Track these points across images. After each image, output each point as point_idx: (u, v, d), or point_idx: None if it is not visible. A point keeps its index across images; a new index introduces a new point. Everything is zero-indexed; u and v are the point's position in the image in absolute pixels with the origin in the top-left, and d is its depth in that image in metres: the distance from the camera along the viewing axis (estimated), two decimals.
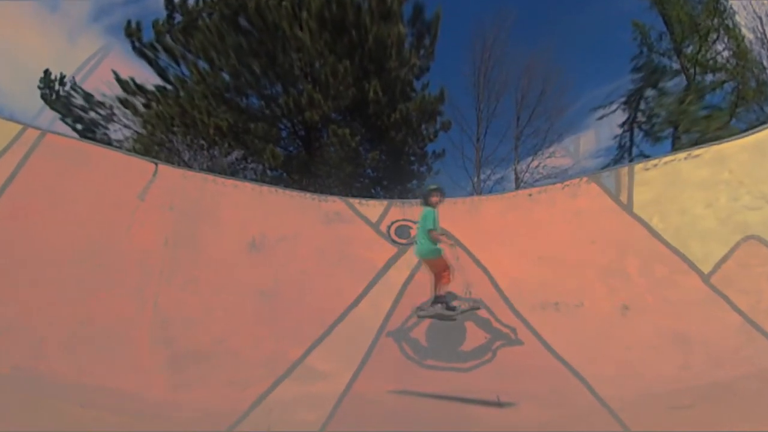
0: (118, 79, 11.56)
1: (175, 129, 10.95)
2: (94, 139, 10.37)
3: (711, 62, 12.55)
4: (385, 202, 4.82)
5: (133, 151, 10.09)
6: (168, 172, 3.57)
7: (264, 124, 10.97)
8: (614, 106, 13.69)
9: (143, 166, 3.68)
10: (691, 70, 12.66)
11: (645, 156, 12.46)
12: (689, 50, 12.86)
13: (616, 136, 13.97)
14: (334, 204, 4.76)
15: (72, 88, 12.54)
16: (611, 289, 3.31)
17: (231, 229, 3.85)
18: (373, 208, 4.66)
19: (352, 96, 10.86)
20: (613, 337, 2.90)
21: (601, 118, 13.96)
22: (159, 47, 11.47)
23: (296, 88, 11.27)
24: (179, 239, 3.04)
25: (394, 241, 4.34)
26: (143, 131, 11.54)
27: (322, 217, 4.56)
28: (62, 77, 12.61)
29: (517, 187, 13.16)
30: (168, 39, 11.37)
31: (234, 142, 11.10)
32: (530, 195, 4.81)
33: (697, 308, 2.99)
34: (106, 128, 11.90)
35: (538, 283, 3.53)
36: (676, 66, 13.15)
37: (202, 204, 3.82)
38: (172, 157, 10.66)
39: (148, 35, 11.51)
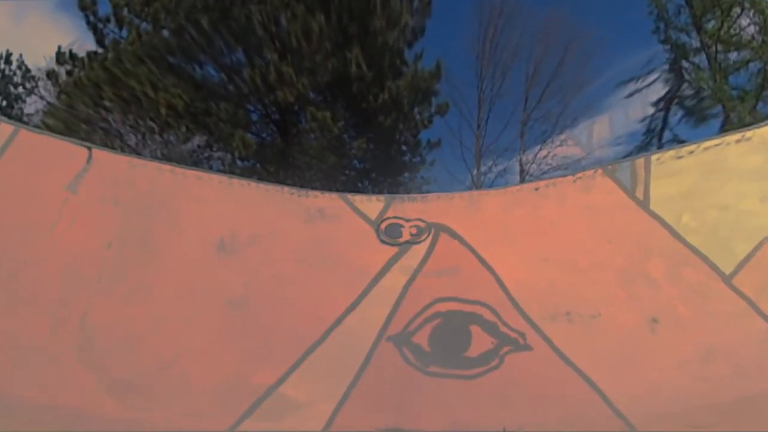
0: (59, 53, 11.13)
1: (108, 103, 10.11)
2: (9, 116, 9.88)
3: (735, 39, 12.68)
4: (384, 198, 4.68)
5: (46, 128, 9.35)
6: (108, 159, 3.33)
7: (228, 104, 10.45)
8: (651, 78, 13.00)
9: (72, 150, 3.33)
10: (713, 48, 12.80)
11: (679, 141, 11.92)
12: (710, 26, 12.97)
13: (644, 118, 13.39)
14: (317, 199, 4.61)
15: (19, 67, 12.23)
16: (634, 298, 3.27)
17: (194, 228, 3.70)
18: (370, 203, 4.50)
19: (332, 70, 10.32)
20: (638, 354, 2.89)
21: (631, 94, 13.22)
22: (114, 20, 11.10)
23: (261, 57, 10.60)
24: (127, 240, 2.87)
25: (383, 241, 4.26)
26: (59, 104, 10.77)
27: (303, 214, 4.36)
28: (8, 55, 12.31)
29: (522, 181, 13.17)
30: (125, 12, 10.98)
31: (193, 126, 10.56)
32: (537, 189, 4.71)
33: (734, 318, 3.00)
34: (24, 101, 11.41)
35: (547, 290, 3.50)
36: (695, 43, 13.27)
37: (156, 198, 3.63)
38: (112, 141, 10.08)
39: (105, 10, 11.16)
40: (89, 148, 3.43)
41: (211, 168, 10.68)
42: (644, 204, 3.90)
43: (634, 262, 3.54)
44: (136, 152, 9.91)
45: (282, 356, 2.74)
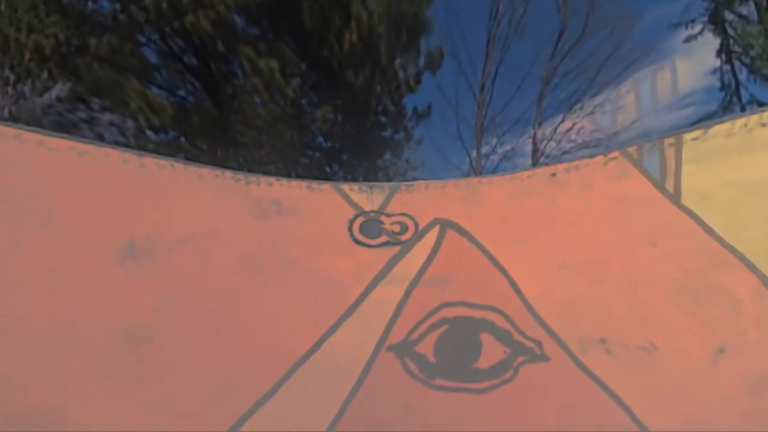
0: None
1: None
2: None
3: None
4: (387, 186, 4.49)
5: None
6: None
7: (113, 36, 8.31)
8: (698, 26, 11.90)
9: None
10: None
11: (759, 104, 11.08)
12: None
13: (715, 70, 11.70)
14: (272, 188, 4.39)
15: None
16: (703, 323, 3.15)
17: (85, 226, 3.31)
18: (369, 195, 4.33)
19: None
20: (694, 389, 2.90)
21: (691, 38, 11.32)
22: None
23: None
24: None
25: (358, 242, 4.08)
26: None
27: (253, 207, 4.15)
28: None
29: (535, 164, 12.61)
30: None
31: (57, 69, 8.66)
32: (554, 174, 4.64)
33: None
34: None
35: (569, 308, 3.46)
36: None
37: (11, 182, 3.15)
38: None
39: None
40: None
41: (102, 138, 9.29)
42: (675, 197, 3.73)
43: (694, 273, 3.40)
44: None
45: (212, 409, 2.53)
